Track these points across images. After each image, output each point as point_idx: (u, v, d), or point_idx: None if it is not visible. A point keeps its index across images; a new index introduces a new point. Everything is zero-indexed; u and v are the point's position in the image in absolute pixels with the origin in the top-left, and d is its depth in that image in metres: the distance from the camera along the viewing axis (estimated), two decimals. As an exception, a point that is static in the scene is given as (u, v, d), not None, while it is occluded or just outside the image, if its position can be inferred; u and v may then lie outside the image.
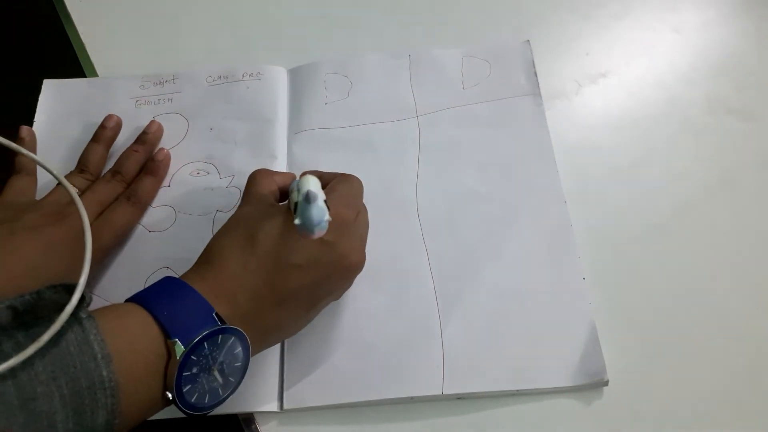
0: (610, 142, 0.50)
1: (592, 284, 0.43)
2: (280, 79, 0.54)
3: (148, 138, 0.49)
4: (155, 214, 0.48)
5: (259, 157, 0.49)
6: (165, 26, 0.59)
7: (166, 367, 0.31)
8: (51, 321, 0.28)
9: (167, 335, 0.31)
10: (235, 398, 0.41)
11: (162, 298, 0.32)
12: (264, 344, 0.37)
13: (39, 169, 0.49)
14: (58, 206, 0.44)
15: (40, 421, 0.26)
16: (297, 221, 0.32)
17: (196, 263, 0.36)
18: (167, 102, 0.53)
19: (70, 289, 0.29)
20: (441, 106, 0.51)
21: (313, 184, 0.33)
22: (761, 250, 0.45)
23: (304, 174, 0.35)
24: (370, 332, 0.42)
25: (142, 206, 0.47)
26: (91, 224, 0.42)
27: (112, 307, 0.32)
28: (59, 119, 0.52)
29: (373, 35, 0.57)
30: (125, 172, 0.47)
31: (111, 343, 0.29)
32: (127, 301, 0.33)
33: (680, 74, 0.53)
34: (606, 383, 0.40)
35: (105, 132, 0.50)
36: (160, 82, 0.54)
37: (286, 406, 0.40)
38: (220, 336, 0.32)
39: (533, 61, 0.53)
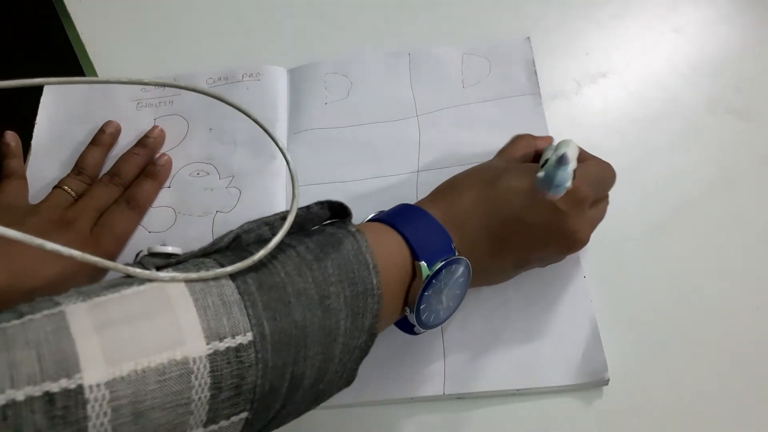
0: (610, 142, 0.50)
1: (592, 283, 0.43)
2: (279, 80, 0.54)
3: (149, 142, 0.49)
4: (155, 214, 0.48)
5: (259, 157, 0.49)
6: (165, 28, 0.59)
7: (409, 285, 0.34)
8: (322, 231, 0.32)
9: (415, 256, 0.33)
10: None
11: (409, 222, 0.35)
12: (478, 285, 0.39)
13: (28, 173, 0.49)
14: (59, 211, 0.44)
15: (330, 318, 0.29)
16: (540, 174, 0.34)
17: (432, 193, 0.39)
18: (168, 104, 0.53)
19: (333, 206, 0.33)
20: (441, 104, 0.51)
21: (571, 149, 0.34)
22: (761, 250, 0.45)
23: (567, 139, 0.36)
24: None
25: (141, 210, 0.47)
26: (89, 230, 0.43)
27: (371, 226, 0.35)
28: (60, 122, 0.52)
29: (373, 34, 0.57)
30: (123, 174, 0.47)
31: (376, 256, 0.32)
32: (375, 220, 0.36)
33: (680, 74, 0.53)
34: (607, 382, 0.40)
35: (104, 136, 0.50)
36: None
37: (286, 407, 0.40)
38: (454, 266, 0.35)
39: (533, 60, 0.53)
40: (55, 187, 0.46)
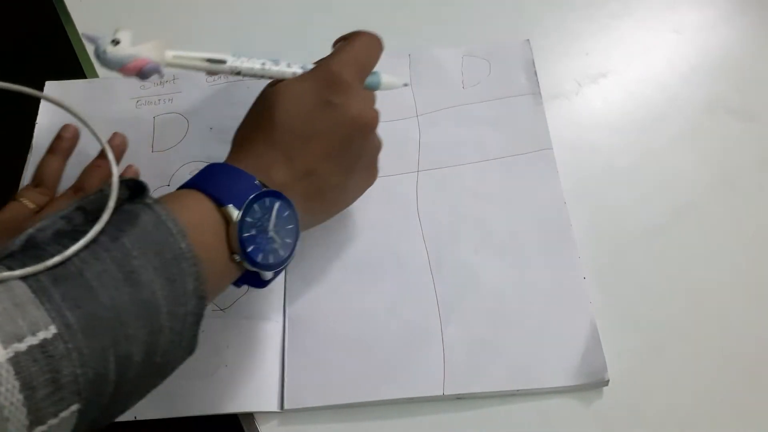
0: (610, 142, 0.50)
1: (592, 284, 0.43)
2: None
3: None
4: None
5: (260, 157, 0.49)
6: (165, 27, 0.59)
7: (227, 234, 0.33)
8: (117, 211, 0.30)
9: (220, 204, 0.33)
10: (235, 398, 0.41)
11: (208, 178, 0.35)
12: (314, 213, 0.39)
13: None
14: (16, 223, 0.43)
15: (142, 291, 0.29)
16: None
17: (231, 151, 0.38)
18: (167, 102, 0.53)
19: (129, 184, 0.32)
20: (441, 105, 0.51)
21: (122, 33, 0.33)
22: (761, 250, 0.45)
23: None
24: (370, 332, 0.42)
25: None
26: None
27: (169, 194, 0.34)
28: (61, 121, 0.52)
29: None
30: (88, 189, 0.45)
31: (180, 219, 0.31)
32: (178, 189, 0.35)
33: (680, 74, 0.53)
34: (606, 383, 0.40)
35: (61, 143, 0.48)
36: (160, 82, 0.54)
37: (286, 406, 0.40)
38: (267, 199, 0.34)
39: (533, 61, 0.53)
40: (11, 200, 0.45)
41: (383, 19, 0.58)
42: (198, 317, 0.31)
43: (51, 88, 0.54)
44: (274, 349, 0.42)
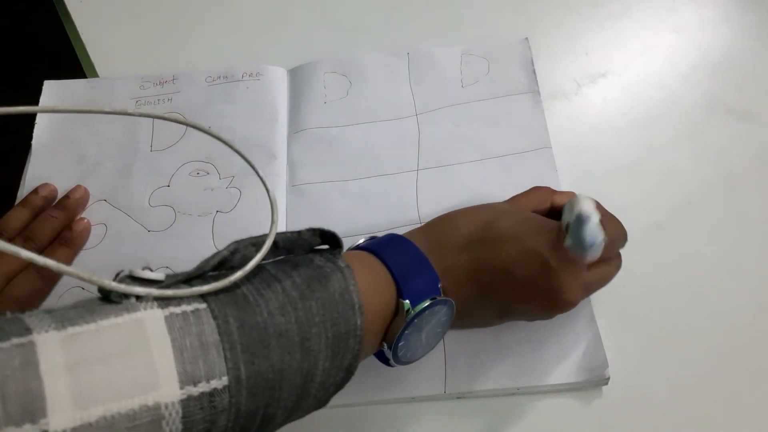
0: (609, 142, 0.50)
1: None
2: (279, 80, 0.54)
3: (69, 204, 0.47)
4: (155, 214, 0.48)
5: (259, 157, 0.49)
6: (165, 26, 0.59)
7: (390, 321, 0.33)
8: (310, 263, 0.31)
9: (399, 294, 0.33)
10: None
11: (397, 256, 0.34)
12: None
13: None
14: None
15: (309, 360, 0.29)
16: (568, 241, 0.32)
17: (426, 225, 0.38)
18: (167, 102, 0.53)
19: (324, 234, 0.32)
20: (440, 104, 0.51)
21: (586, 204, 0.32)
22: (761, 250, 0.45)
23: (577, 195, 0.34)
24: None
25: (52, 281, 0.44)
26: None
27: (359, 257, 0.34)
28: (60, 120, 0.52)
29: (372, 34, 0.57)
30: (38, 239, 0.44)
31: (362, 294, 0.31)
32: (363, 249, 0.35)
33: (680, 74, 0.53)
34: (607, 380, 0.40)
35: (35, 198, 0.47)
36: (159, 82, 0.54)
37: (285, 406, 0.40)
38: (439, 305, 0.34)
39: (532, 59, 0.53)
40: None
41: (382, 19, 0.58)
42: (339, 387, 0.32)
43: (50, 87, 0.54)
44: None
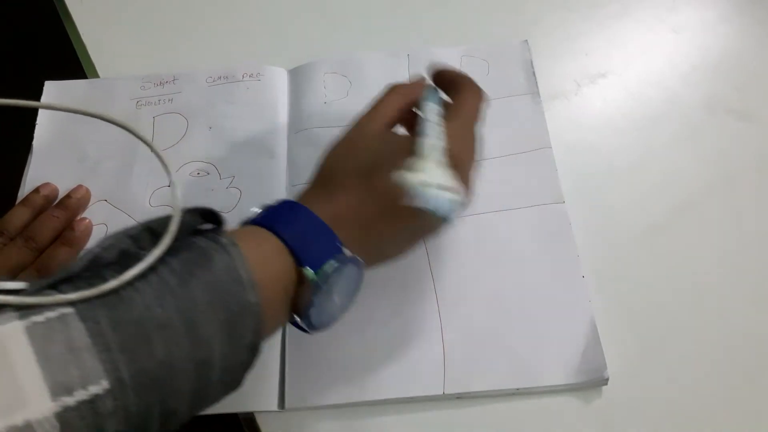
0: (609, 142, 0.50)
1: (591, 283, 0.43)
2: (279, 80, 0.54)
3: (70, 203, 0.47)
4: (155, 213, 0.48)
5: (259, 157, 0.50)
6: (165, 27, 0.59)
7: (295, 291, 0.32)
8: (190, 245, 0.29)
9: (298, 262, 0.31)
10: (235, 398, 0.40)
11: (290, 225, 0.32)
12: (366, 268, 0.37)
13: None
14: None
15: (201, 347, 0.27)
16: (424, 205, 0.32)
17: (313, 185, 0.36)
18: (167, 102, 0.53)
19: (204, 213, 0.30)
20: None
21: (431, 131, 0.32)
22: (761, 250, 0.45)
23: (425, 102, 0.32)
24: (370, 332, 0.42)
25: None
26: None
27: (247, 233, 0.32)
28: (61, 121, 0.52)
29: (372, 34, 0.57)
30: (39, 239, 0.44)
31: (253, 269, 0.29)
32: (253, 223, 0.33)
33: (680, 74, 0.53)
34: (606, 381, 0.40)
35: (36, 198, 0.47)
36: (160, 82, 0.54)
37: (287, 406, 0.40)
38: (345, 267, 0.33)
39: (531, 61, 0.53)
40: None
41: (382, 20, 0.58)
42: (247, 366, 0.30)
43: (51, 87, 0.54)
44: (275, 348, 0.42)
